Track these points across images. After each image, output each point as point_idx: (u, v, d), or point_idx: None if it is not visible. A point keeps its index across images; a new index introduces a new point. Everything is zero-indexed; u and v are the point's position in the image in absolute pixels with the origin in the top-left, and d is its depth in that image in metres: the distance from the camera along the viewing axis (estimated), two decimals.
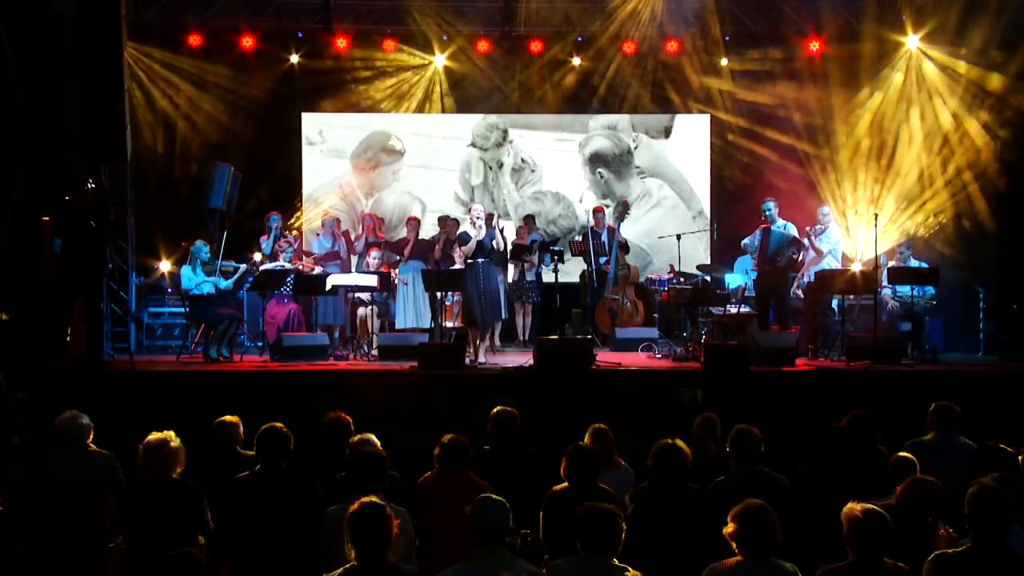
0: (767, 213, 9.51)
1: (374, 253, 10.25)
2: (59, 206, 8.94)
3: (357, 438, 4.83)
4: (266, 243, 10.26)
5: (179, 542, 3.87)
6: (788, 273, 9.45)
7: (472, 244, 9.07)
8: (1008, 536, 3.61)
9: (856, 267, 9.86)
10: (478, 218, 9.20)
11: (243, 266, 9.90)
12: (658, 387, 7.85)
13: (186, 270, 9.40)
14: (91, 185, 8.78)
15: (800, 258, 9.36)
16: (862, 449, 4.81)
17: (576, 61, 11.82)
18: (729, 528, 3.57)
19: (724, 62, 11.73)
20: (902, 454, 4.73)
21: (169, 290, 10.83)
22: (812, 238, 9.83)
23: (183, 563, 3.38)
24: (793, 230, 9.56)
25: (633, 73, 11.93)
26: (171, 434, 4.58)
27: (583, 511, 3.57)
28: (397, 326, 10.22)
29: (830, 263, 9.83)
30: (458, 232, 9.39)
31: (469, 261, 9.17)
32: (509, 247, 10.58)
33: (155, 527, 4.34)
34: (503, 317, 9.62)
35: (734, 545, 3.56)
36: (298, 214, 11.94)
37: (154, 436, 4.57)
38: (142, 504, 4.46)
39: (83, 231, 8.78)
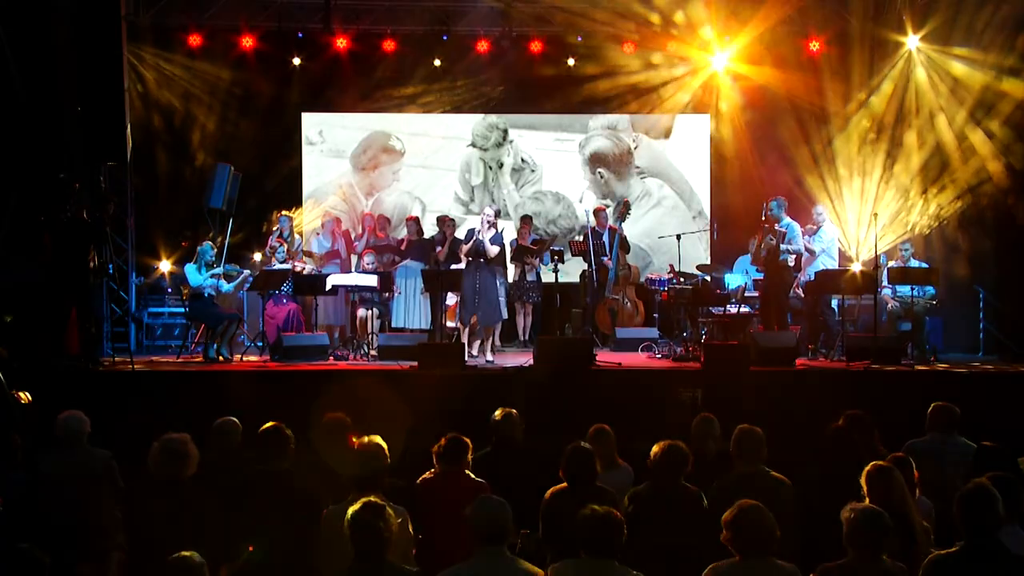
0: (771, 212, 9.46)
1: (367, 258, 10.25)
2: (56, 206, 8.94)
3: (362, 439, 4.82)
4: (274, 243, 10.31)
5: (180, 543, 3.87)
6: (787, 273, 9.42)
7: (472, 243, 9.09)
8: (999, 533, 3.62)
9: (856, 267, 9.86)
10: (489, 222, 9.21)
11: (246, 271, 9.90)
12: (658, 387, 7.85)
13: (191, 268, 9.41)
14: (80, 188, 8.77)
15: (777, 243, 9.27)
16: (860, 449, 4.81)
17: (572, 61, 11.83)
18: (724, 535, 3.57)
19: (724, 62, 11.73)
20: (896, 454, 4.73)
21: (169, 290, 10.84)
22: (808, 238, 9.82)
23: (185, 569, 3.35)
24: (797, 229, 9.55)
25: (633, 73, 11.93)
26: (187, 436, 4.58)
27: (584, 514, 3.57)
28: (392, 325, 10.23)
29: (825, 262, 9.82)
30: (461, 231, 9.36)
31: (469, 260, 9.20)
32: (509, 247, 10.62)
33: (158, 527, 4.33)
34: (501, 319, 9.59)
35: (732, 549, 3.56)
36: (299, 213, 11.95)
37: (172, 435, 4.56)
38: (146, 503, 4.46)
39: (78, 232, 8.77)
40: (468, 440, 4.75)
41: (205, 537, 4.42)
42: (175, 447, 4.52)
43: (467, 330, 9.34)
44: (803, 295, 9.93)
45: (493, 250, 9.10)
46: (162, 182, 11.39)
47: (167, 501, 4.40)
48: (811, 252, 9.84)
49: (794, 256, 9.38)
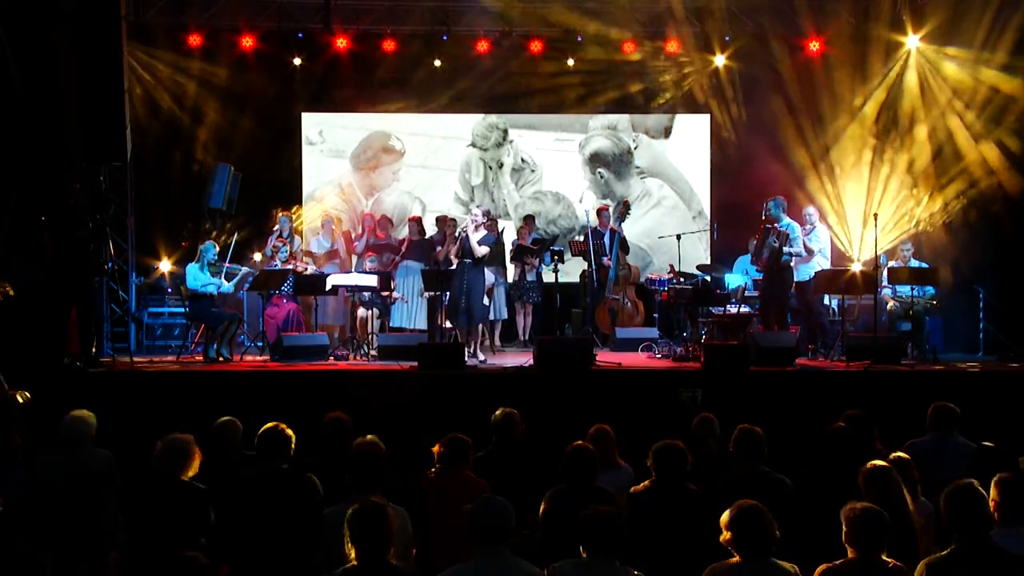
0: (769, 212, 9.46)
1: (368, 261, 10.26)
2: (56, 206, 8.95)
3: (360, 439, 4.81)
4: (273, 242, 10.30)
5: (181, 543, 3.87)
6: (787, 274, 9.42)
7: (458, 244, 9.03)
8: (988, 532, 3.63)
9: (856, 267, 9.86)
10: (477, 223, 9.11)
11: (245, 269, 9.90)
12: (658, 387, 7.85)
13: (193, 268, 9.42)
14: (80, 188, 8.78)
15: (780, 245, 9.25)
16: (860, 449, 4.81)
17: (572, 61, 11.84)
18: (724, 536, 3.57)
19: (724, 61, 11.74)
20: (897, 454, 4.73)
21: (169, 290, 10.84)
22: (804, 238, 9.81)
23: (186, 569, 3.36)
24: (796, 229, 9.54)
25: (633, 73, 11.94)
26: (191, 437, 4.60)
27: (586, 514, 3.57)
28: (392, 325, 10.22)
29: (819, 262, 9.82)
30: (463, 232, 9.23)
31: (458, 261, 9.16)
32: (509, 247, 10.61)
33: (158, 526, 4.34)
34: (489, 319, 9.50)
35: (732, 549, 3.56)
36: (299, 213, 11.95)
37: (176, 436, 4.58)
38: (147, 503, 4.46)
39: (76, 232, 8.78)
40: (469, 440, 4.74)
41: (205, 537, 4.43)
42: (179, 447, 4.53)
43: (467, 330, 9.28)
44: (793, 293, 9.92)
45: (480, 251, 8.95)
46: (162, 182, 11.39)
47: (167, 501, 4.41)
48: (810, 251, 9.84)
49: (795, 257, 9.37)
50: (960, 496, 3.63)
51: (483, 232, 9.05)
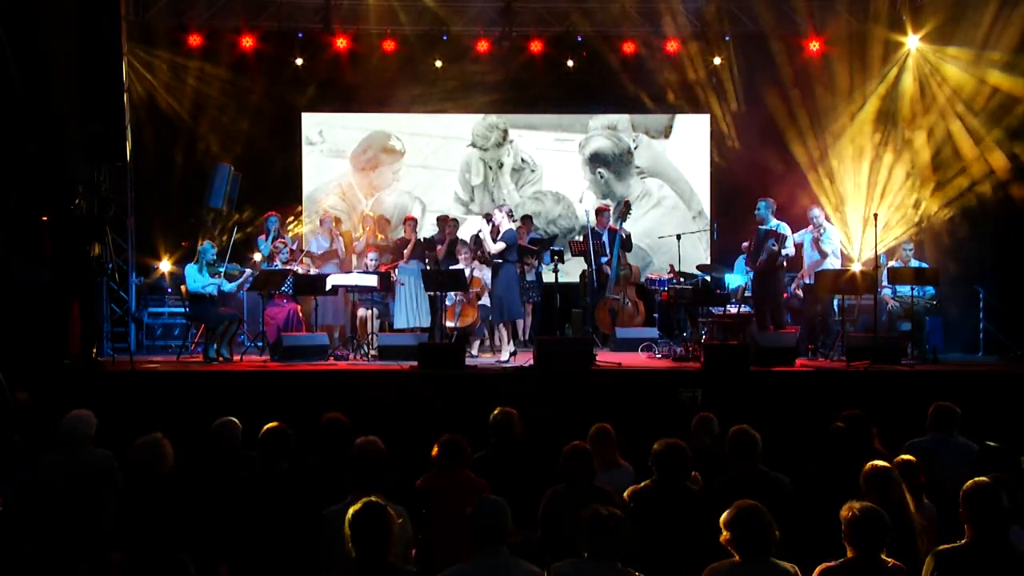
0: (758, 213, 9.50)
1: (371, 255, 10.25)
2: (56, 206, 8.94)
3: (360, 439, 4.81)
4: (264, 244, 10.27)
5: (179, 541, 3.87)
6: (780, 273, 9.43)
7: (480, 250, 8.99)
8: (1007, 531, 3.62)
9: (856, 267, 9.86)
10: (496, 221, 9.05)
11: (248, 271, 9.88)
12: (658, 387, 7.85)
13: (192, 269, 9.41)
14: (81, 188, 8.78)
15: (779, 249, 9.28)
16: (859, 449, 4.81)
17: (571, 62, 11.84)
18: (724, 536, 3.57)
19: (723, 61, 11.73)
20: (905, 458, 4.72)
21: (169, 290, 10.84)
22: (820, 241, 9.83)
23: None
24: (787, 230, 9.55)
25: (633, 73, 11.94)
26: (157, 434, 4.62)
27: (588, 513, 3.57)
28: (396, 326, 10.22)
29: (832, 263, 9.84)
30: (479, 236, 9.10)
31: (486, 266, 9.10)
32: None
33: (156, 526, 4.33)
34: (508, 318, 9.41)
35: (731, 550, 3.56)
36: (299, 215, 11.94)
37: (142, 438, 4.59)
38: (143, 503, 4.46)
39: (78, 232, 8.78)
40: (465, 440, 4.74)
41: (204, 536, 4.43)
42: (152, 447, 4.53)
43: (507, 330, 9.16)
44: (802, 295, 9.94)
45: (494, 248, 8.87)
46: (162, 182, 11.38)
47: (163, 500, 4.41)
48: (823, 254, 9.84)
49: (784, 258, 9.40)
50: (980, 491, 3.63)
51: (506, 226, 8.91)
